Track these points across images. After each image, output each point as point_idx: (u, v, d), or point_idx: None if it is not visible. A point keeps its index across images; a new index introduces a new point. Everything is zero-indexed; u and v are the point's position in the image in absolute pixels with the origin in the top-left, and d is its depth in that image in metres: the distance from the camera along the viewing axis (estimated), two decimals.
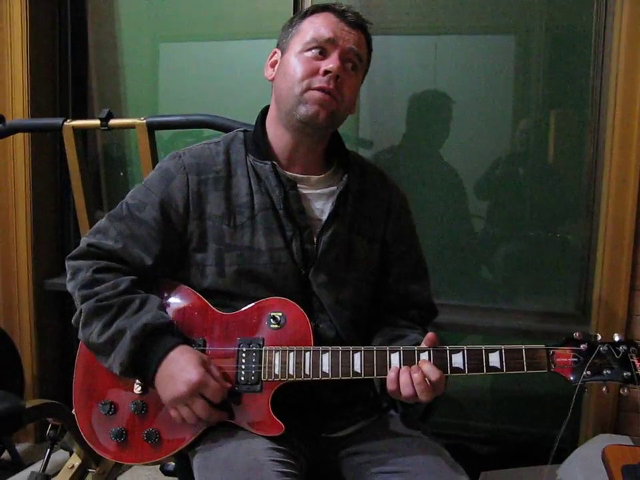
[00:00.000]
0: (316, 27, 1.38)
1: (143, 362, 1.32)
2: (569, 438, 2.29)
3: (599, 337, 1.28)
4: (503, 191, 2.55)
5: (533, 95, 2.53)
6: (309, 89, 1.35)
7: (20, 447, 2.71)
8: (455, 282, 2.57)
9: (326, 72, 1.34)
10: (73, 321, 1.40)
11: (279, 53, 1.45)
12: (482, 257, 2.61)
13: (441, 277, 2.53)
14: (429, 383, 1.25)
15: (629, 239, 2.10)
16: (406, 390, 1.26)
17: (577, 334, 1.28)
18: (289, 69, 1.39)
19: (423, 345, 1.30)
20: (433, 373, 1.25)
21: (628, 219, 2.09)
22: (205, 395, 1.29)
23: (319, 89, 1.35)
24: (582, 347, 1.26)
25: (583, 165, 2.34)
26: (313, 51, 1.37)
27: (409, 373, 1.26)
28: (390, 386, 1.28)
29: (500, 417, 2.66)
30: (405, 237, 1.55)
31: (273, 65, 1.46)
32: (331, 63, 1.35)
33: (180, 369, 1.29)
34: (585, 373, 1.24)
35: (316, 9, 1.42)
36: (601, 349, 1.25)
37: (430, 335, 1.30)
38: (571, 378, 1.25)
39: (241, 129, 1.52)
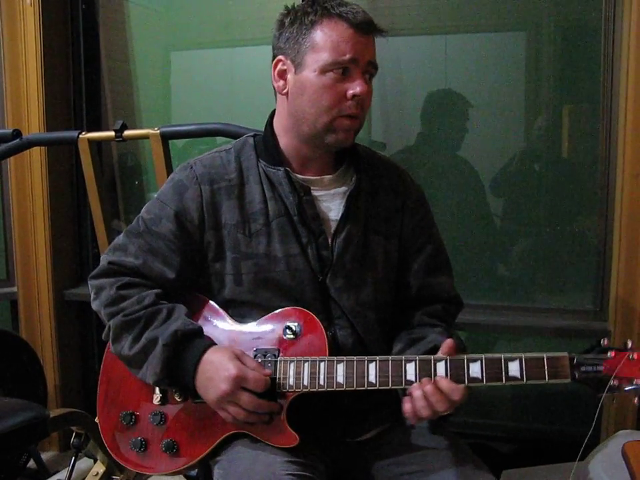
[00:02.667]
0: (334, 44, 1.32)
1: (178, 369, 1.33)
2: (591, 434, 2.28)
3: (629, 344, 1.19)
4: (518, 188, 2.55)
5: (545, 91, 2.52)
6: (338, 116, 1.34)
7: (45, 456, 2.73)
8: (472, 281, 2.57)
9: (354, 96, 1.33)
10: (103, 336, 1.41)
11: (289, 63, 1.38)
12: (498, 255, 2.61)
13: (458, 276, 2.52)
14: (443, 396, 1.22)
15: None
16: (423, 412, 1.23)
17: (605, 341, 1.21)
18: (314, 93, 1.34)
19: (441, 351, 1.27)
20: (455, 392, 1.22)
21: None
22: (247, 387, 1.28)
23: (348, 116, 1.35)
24: (609, 354, 1.18)
25: (597, 160, 2.33)
26: (335, 71, 1.32)
27: (422, 394, 1.23)
28: (410, 419, 1.26)
29: (521, 415, 2.65)
30: (422, 230, 1.52)
31: (281, 76, 1.40)
32: (358, 87, 1.32)
33: (216, 369, 1.29)
34: (612, 383, 1.16)
35: (327, 14, 1.34)
36: (631, 356, 1.16)
37: (448, 341, 1.27)
38: (597, 389, 1.18)
39: (250, 134, 1.51)
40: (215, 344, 1.36)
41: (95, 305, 1.43)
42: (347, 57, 1.32)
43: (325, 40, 1.33)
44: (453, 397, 1.22)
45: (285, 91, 1.41)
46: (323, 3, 1.36)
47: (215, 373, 1.29)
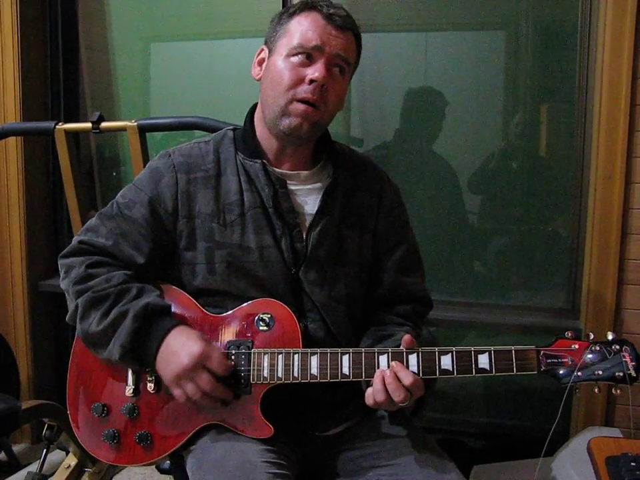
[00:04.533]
0: (303, 31, 1.36)
1: (144, 342, 1.32)
2: (561, 430, 2.31)
3: (591, 336, 1.26)
4: (495, 186, 2.57)
5: (522, 89, 2.55)
6: (293, 99, 1.35)
7: (16, 448, 2.72)
8: (446, 277, 2.59)
9: (311, 81, 1.33)
10: (67, 318, 1.40)
11: (267, 51, 1.43)
12: (473, 253, 2.63)
13: (433, 273, 2.55)
14: (401, 383, 1.25)
15: (615, 234, 2.11)
16: (379, 396, 1.26)
17: (569, 333, 1.27)
18: (275, 74, 1.37)
19: (401, 346, 1.30)
20: (405, 377, 1.25)
21: (615, 214, 2.10)
22: (209, 366, 1.29)
23: (303, 100, 1.34)
24: (573, 346, 1.24)
25: (572, 160, 2.36)
26: (299, 56, 1.35)
27: (381, 376, 1.27)
28: (367, 400, 1.29)
29: (492, 411, 2.68)
30: (397, 229, 1.54)
31: (260, 63, 1.45)
32: (316, 72, 1.33)
33: (181, 345, 1.30)
34: (575, 373, 1.23)
35: (304, 7, 1.39)
36: (593, 348, 1.23)
37: (406, 337, 1.30)
38: (561, 379, 1.23)
39: (230, 128, 1.52)
40: (185, 324, 1.36)
41: (63, 284, 1.42)
42: (312, 43, 1.34)
43: (296, 27, 1.37)
44: (405, 382, 1.25)
45: (258, 76, 1.45)
46: (308, 0, 1.40)
47: (181, 347, 1.30)
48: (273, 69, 1.38)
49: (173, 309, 1.42)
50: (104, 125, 2.14)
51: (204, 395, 1.30)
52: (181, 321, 1.37)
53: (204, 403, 1.32)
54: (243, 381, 1.33)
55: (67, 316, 1.41)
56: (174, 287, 1.45)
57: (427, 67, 2.59)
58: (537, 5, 2.48)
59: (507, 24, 2.55)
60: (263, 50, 1.45)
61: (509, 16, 2.53)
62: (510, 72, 2.53)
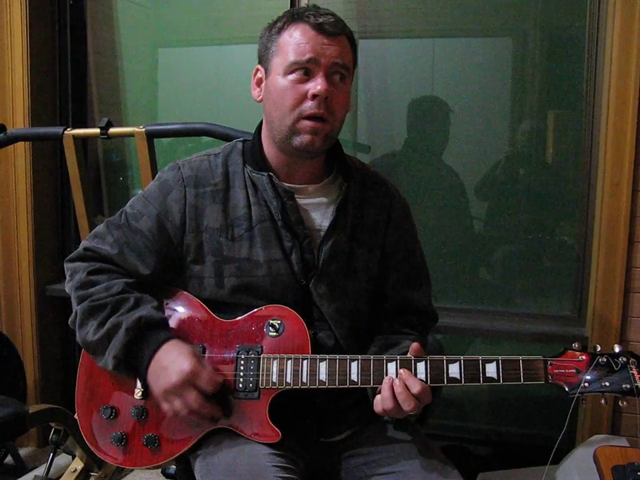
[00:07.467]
0: (294, 45, 1.33)
1: (136, 354, 1.33)
2: (566, 439, 2.31)
3: (598, 348, 1.27)
4: (502, 193, 2.57)
5: (529, 96, 2.55)
6: (300, 118, 1.34)
7: (23, 451, 2.72)
8: (453, 285, 2.59)
9: (314, 96, 1.32)
10: (69, 322, 1.42)
11: (262, 71, 1.41)
12: (480, 260, 2.63)
13: (439, 280, 2.55)
14: (410, 392, 1.26)
15: (622, 242, 2.11)
16: (387, 404, 1.27)
17: (576, 344, 1.27)
18: (277, 96, 1.36)
19: (409, 354, 1.31)
20: (414, 386, 1.26)
21: (622, 222, 2.10)
22: (197, 385, 1.30)
23: (310, 117, 1.33)
24: (580, 358, 1.25)
25: (579, 168, 2.36)
26: (297, 72, 1.33)
27: (390, 384, 1.28)
28: (376, 407, 1.30)
29: (498, 418, 2.68)
30: (405, 244, 1.54)
31: (258, 84, 1.43)
32: (318, 86, 1.31)
33: (172, 360, 1.31)
34: (582, 385, 1.23)
35: (291, 20, 1.36)
36: (600, 360, 1.24)
37: (415, 345, 1.30)
38: (569, 389, 1.24)
39: (240, 139, 1.52)
40: (177, 337, 1.36)
41: (67, 287, 1.44)
42: (307, 56, 1.32)
43: (287, 42, 1.35)
44: (413, 390, 1.26)
45: (259, 98, 1.43)
46: (293, 10, 1.39)
47: (171, 363, 1.30)
48: (273, 89, 1.37)
49: (181, 315, 1.43)
50: (112, 130, 2.15)
51: (191, 412, 1.31)
52: (175, 334, 1.37)
53: (192, 419, 1.33)
54: (251, 385, 1.34)
55: (70, 319, 1.42)
56: (184, 292, 1.45)
57: (434, 74, 2.60)
58: (545, 12, 2.48)
59: (515, 31, 2.56)
60: (258, 70, 1.43)
61: (517, 23, 2.53)
62: (517, 79, 2.54)
